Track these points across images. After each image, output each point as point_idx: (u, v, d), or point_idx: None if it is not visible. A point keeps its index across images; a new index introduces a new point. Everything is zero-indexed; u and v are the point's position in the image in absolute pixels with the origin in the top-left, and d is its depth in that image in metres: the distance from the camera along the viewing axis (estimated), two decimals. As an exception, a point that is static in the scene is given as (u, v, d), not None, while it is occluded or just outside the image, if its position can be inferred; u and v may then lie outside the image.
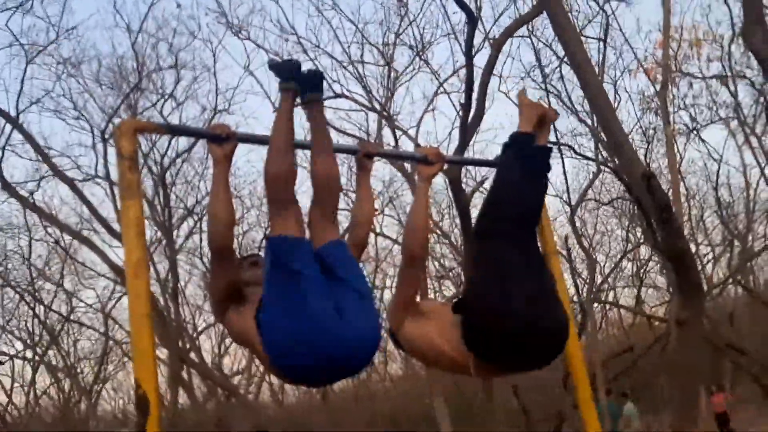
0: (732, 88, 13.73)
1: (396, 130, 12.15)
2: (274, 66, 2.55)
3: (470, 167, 12.87)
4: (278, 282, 2.24)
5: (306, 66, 2.62)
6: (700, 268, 11.79)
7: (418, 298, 2.77)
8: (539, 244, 2.84)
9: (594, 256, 15.49)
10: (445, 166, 3.19)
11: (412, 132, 12.29)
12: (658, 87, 12.90)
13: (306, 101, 2.52)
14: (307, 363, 2.22)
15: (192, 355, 12.31)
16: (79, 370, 17.23)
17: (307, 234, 2.44)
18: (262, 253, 2.58)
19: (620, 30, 13.38)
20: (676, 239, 3.80)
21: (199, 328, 16.12)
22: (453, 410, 13.85)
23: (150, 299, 2.30)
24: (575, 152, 12.50)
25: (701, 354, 4.35)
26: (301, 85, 2.49)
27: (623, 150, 4.07)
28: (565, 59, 12.24)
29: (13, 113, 9.53)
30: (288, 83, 2.48)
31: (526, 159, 2.72)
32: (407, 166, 12.19)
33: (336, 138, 12.15)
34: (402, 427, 22.81)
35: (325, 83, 2.69)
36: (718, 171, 16.47)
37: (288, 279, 2.23)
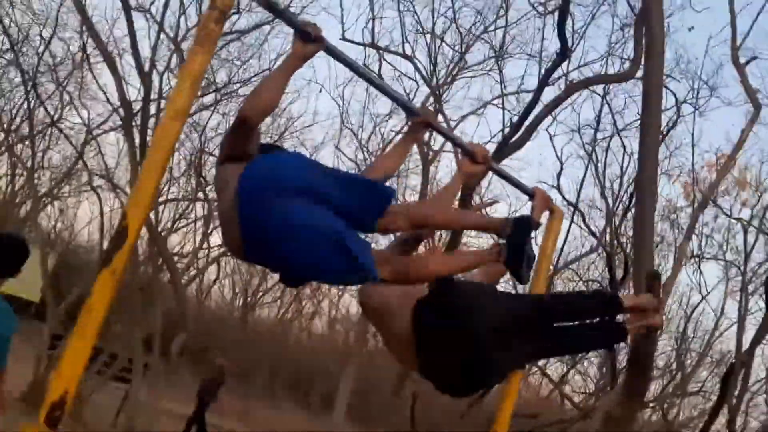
0: (750, 239, 13.87)
1: (438, 114, 12.10)
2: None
3: (483, 183, 12.83)
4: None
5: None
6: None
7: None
8: None
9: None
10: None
11: (451, 124, 12.24)
12: (688, 203, 12.99)
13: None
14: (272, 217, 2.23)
15: (151, 217, 12.27)
16: (37, 177, 17.03)
17: None
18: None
19: (691, 133, 13.32)
20: (649, 342, 3.83)
21: (168, 197, 16.03)
22: (359, 391, 14.01)
23: (173, 149, 2.28)
24: (584, 222, 12.54)
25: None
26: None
27: (645, 242, 4.07)
28: (620, 134, 12.29)
29: None
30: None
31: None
32: (430, 152, 12.18)
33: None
34: (304, 381, 22.97)
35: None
36: (696, 305, 16.68)
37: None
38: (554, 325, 2.57)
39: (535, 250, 3.22)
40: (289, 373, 22.84)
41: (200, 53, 2.24)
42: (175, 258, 16.34)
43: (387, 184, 2.57)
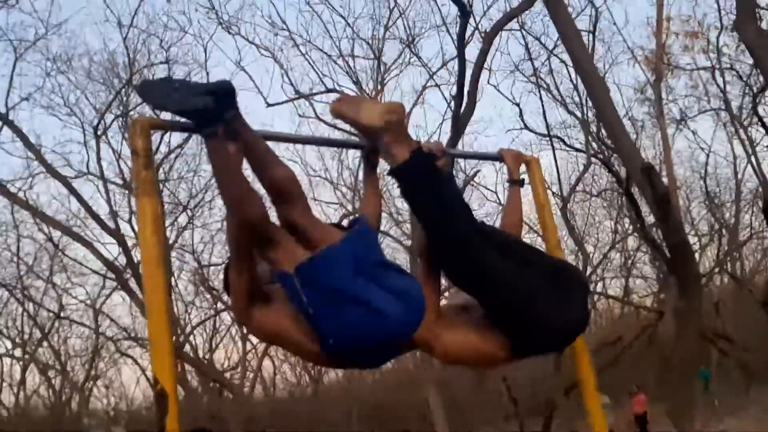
0: (720, 80, 13.88)
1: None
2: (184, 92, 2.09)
3: (460, 160, 12.91)
4: (320, 301, 2.20)
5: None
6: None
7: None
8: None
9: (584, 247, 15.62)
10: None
11: (403, 125, 12.29)
12: (647, 79, 13.03)
13: (228, 121, 2.16)
14: (365, 344, 2.23)
15: (186, 349, 12.30)
16: (69, 368, 17.14)
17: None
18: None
19: (613, 22, 13.41)
20: (675, 231, 3.85)
21: (192, 324, 16.08)
22: (443, 402, 13.94)
23: (167, 295, 2.32)
24: (565, 144, 12.58)
25: (697, 343, 4.43)
26: (217, 111, 2.11)
27: (621, 142, 4.12)
28: (554, 52, 12.36)
29: (2, 110, 9.45)
30: (209, 129, 2.13)
31: (437, 177, 2.46)
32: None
33: (328, 133, 12.24)
34: (391, 419, 22.91)
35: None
36: (706, 161, 16.65)
37: (326, 295, 2.20)
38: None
39: (531, 203, 3.26)
40: (381, 415, 22.77)
41: (147, 200, 2.28)
42: (229, 373, 16.37)
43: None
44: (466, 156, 3.15)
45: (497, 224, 2.99)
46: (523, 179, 3.15)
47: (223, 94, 2.12)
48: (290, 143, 2.73)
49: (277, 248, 2.23)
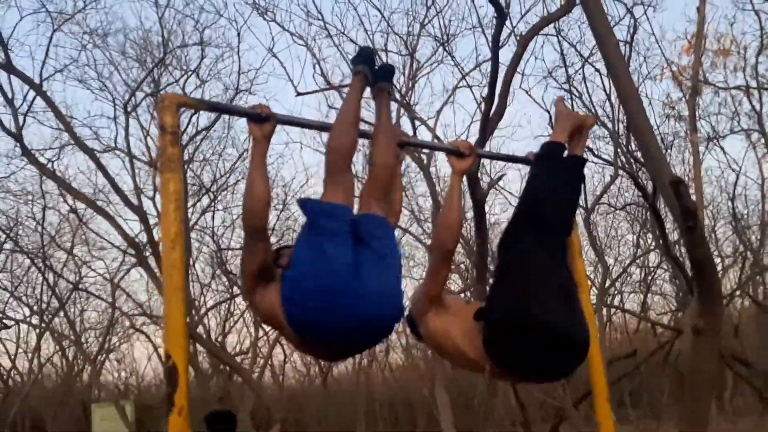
0: (755, 99, 13.65)
1: (414, 120, 12.14)
2: (357, 55, 2.73)
3: (486, 162, 12.83)
4: (307, 239, 2.31)
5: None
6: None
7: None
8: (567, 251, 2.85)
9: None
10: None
11: (430, 123, 12.28)
12: (682, 94, 12.84)
13: (376, 90, 2.68)
14: (321, 320, 2.24)
15: (199, 330, 12.40)
16: (84, 340, 17.35)
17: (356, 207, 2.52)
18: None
19: (651, 33, 13.23)
20: (700, 247, 3.78)
21: (207, 306, 16.20)
22: (452, 401, 13.92)
23: (184, 272, 2.33)
24: (594, 154, 12.44)
25: (715, 363, 4.35)
26: (374, 73, 2.66)
27: (651, 154, 4.05)
28: (589, 60, 12.23)
29: (36, 80, 9.57)
30: (360, 66, 2.65)
31: (558, 168, 2.73)
32: (423, 157, 12.20)
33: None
34: (400, 416, 22.92)
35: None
36: (735, 182, 16.39)
37: (317, 236, 2.29)
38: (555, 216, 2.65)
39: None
40: (389, 411, 22.76)
41: (171, 177, 2.31)
42: (241, 356, 16.47)
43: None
44: (495, 157, 3.15)
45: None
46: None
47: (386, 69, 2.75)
48: (317, 130, 2.77)
49: (331, 183, 2.43)
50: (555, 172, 2.72)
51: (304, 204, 2.40)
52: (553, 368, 2.55)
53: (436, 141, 11.24)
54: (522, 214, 2.66)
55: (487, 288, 2.80)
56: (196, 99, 2.54)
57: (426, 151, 10.63)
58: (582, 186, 2.87)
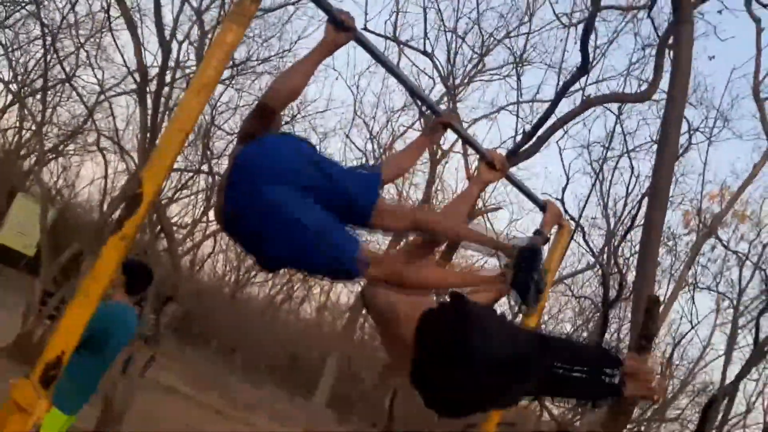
0: (745, 273, 13.89)
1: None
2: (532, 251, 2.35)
3: (488, 189, 12.85)
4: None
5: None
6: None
7: None
8: None
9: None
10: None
11: (464, 126, 12.24)
12: (686, 230, 13.00)
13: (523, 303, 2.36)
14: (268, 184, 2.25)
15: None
16: (45, 131, 16.97)
17: None
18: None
19: (704, 164, 13.26)
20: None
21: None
22: (341, 378, 14.05)
23: (194, 122, 2.27)
24: (584, 239, 12.52)
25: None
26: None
27: (647, 267, 4.07)
28: (630, 154, 12.26)
29: None
30: (514, 266, 2.31)
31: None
32: (440, 150, 12.16)
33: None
34: (287, 364, 22.99)
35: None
36: (685, 333, 16.73)
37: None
38: (553, 367, 2.51)
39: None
40: (274, 354, 22.88)
41: (234, 28, 2.24)
42: (174, 228, 16.35)
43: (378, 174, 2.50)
44: (515, 184, 3.10)
45: None
46: (548, 237, 3.11)
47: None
48: (386, 71, 2.68)
49: None
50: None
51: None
52: (453, 402, 2.56)
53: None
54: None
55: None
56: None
57: (445, 146, 10.60)
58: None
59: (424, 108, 10.14)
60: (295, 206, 2.21)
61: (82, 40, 13.74)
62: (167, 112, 10.38)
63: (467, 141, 3.17)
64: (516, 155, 8.51)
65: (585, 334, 17.55)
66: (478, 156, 2.96)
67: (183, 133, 2.14)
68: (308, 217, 2.20)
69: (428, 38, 12.36)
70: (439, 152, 12.53)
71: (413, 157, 2.89)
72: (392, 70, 2.67)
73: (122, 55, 12.41)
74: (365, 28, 9.90)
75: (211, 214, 17.23)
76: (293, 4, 12.43)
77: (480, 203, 12.51)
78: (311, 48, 2.46)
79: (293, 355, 22.78)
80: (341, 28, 2.41)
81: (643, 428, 16.53)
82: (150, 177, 2.08)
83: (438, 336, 2.39)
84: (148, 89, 10.01)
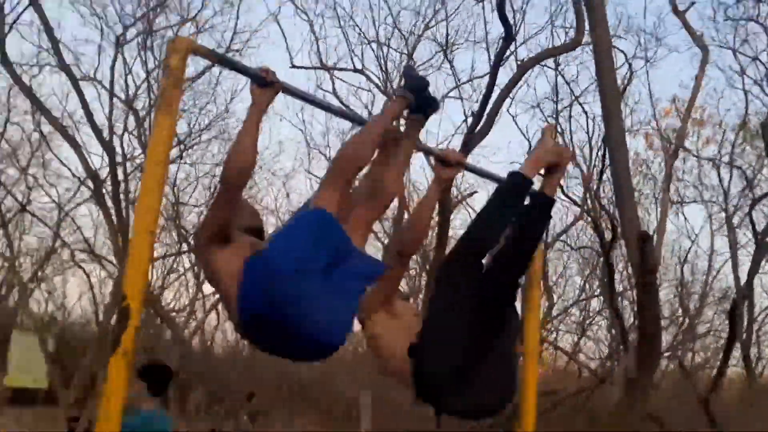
0: (723, 174, 14.12)
1: (400, 119, 12.17)
2: (411, 75, 2.75)
3: (458, 177, 12.95)
4: (301, 234, 2.28)
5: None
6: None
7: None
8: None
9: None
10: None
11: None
12: (653, 154, 13.18)
13: (416, 119, 2.66)
14: (271, 321, 2.23)
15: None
16: (17, 264, 16.84)
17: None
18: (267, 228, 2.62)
19: (648, 90, 13.45)
20: (651, 303, 3.89)
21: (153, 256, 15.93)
22: (374, 401, 13.93)
23: (158, 218, 2.30)
24: (564, 193, 12.65)
25: (641, 415, 4.49)
26: (419, 102, 2.61)
27: (626, 206, 4.15)
28: (580, 100, 12.44)
29: (30, -6, 9.26)
30: (409, 94, 2.61)
31: (518, 205, 2.60)
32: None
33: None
34: (322, 404, 22.80)
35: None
36: (688, 250, 16.89)
37: (313, 239, 2.26)
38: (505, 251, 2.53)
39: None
40: (307, 393, 22.69)
41: (166, 119, 2.28)
42: (174, 313, 16.26)
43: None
44: (478, 172, 3.14)
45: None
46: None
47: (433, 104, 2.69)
48: (317, 108, 2.73)
49: (333, 191, 2.36)
50: (513, 207, 2.59)
51: (321, 215, 2.34)
52: (473, 415, 2.59)
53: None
54: (466, 244, 2.58)
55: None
56: (208, 49, 2.50)
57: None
58: (545, 228, 2.82)
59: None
60: (305, 328, 2.23)
61: (24, 165, 13.65)
62: (130, 206, 10.37)
63: (417, 148, 3.22)
64: (472, 137, 8.60)
65: (597, 283, 17.69)
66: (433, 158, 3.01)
67: (149, 234, 2.17)
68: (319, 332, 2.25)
69: (355, 55, 12.49)
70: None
71: (401, 164, 2.86)
72: (325, 107, 2.72)
73: (69, 168, 12.38)
74: (293, 66, 10.00)
75: (206, 288, 17.17)
76: (209, 69, 12.46)
77: (455, 191, 12.59)
78: (247, 111, 2.49)
79: (327, 389, 22.61)
80: (265, 85, 2.45)
81: (679, 352, 16.63)
82: (131, 286, 2.11)
83: (429, 367, 2.42)
84: (104, 191, 10.01)
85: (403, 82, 2.69)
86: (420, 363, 2.43)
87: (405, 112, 2.64)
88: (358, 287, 2.35)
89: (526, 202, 2.66)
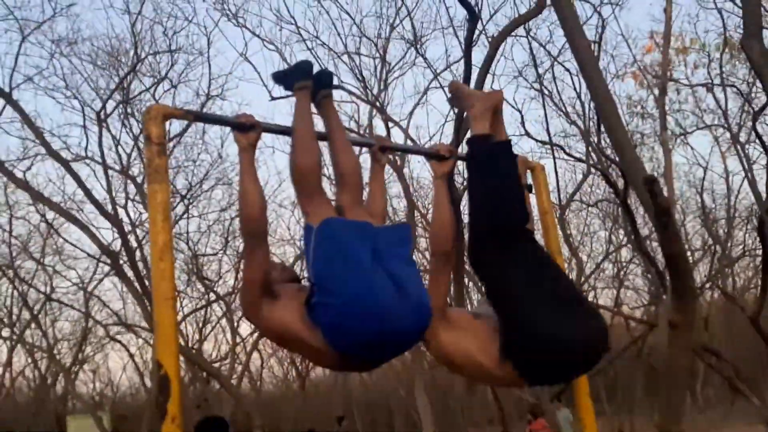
0: (718, 95, 13.98)
1: (388, 122, 12.21)
2: (281, 77, 2.75)
3: (460, 163, 12.94)
4: (337, 262, 2.29)
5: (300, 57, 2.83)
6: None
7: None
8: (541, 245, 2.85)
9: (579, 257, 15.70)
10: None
11: (403, 124, 12.38)
12: (645, 92, 13.10)
13: (320, 98, 2.68)
14: (374, 341, 2.27)
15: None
16: (56, 351, 17.09)
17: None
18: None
19: (620, 33, 13.39)
20: (673, 243, 3.88)
21: (184, 312, 16.06)
22: (430, 402, 13.97)
23: (174, 283, 2.34)
24: (566, 153, 12.62)
25: (690, 356, 4.47)
26: (315, 84, 2.65)
27: (625, 152, 4.14)
28: (558, 60, 12.41)
29: (6, 89, 9.41)
30: (304, 82, 2.64)
31: (492, 165, 2.64)
32: (397, 158, 12.26)
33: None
34: (377, 418, 22.94)
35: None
36: (703, 177, 16.75)
37: (346, 258, 2.29)
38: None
39: (535, 211, 3.27)
40: (367, 413, 22.77)
41: (158, 187, 2.31)
42: (216, 364, 16.36)
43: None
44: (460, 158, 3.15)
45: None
46: (530, 185, 3.16)
47: (324, 76, 2.72)
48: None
49: (315, 201, 2.44)
50: (491, 169, 2.63)
51: (329, 224, 2.37)
52: (584, 366, 2.56)
53: (410, 143, 11.31)
54: (477, 225, 2.62)
55: (468, 291, 2.76)
56: (183, 110, 2.54)
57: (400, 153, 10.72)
58: (515, 167, 2.73)
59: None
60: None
61: (38, 256, 13.83)
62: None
63: (406, 151, 3.26)
64: (461, 123, 8.60)
65: (622, 233, 17.58)
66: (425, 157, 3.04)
67: (169, 301, 2.21)
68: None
69: (334, 73, 12.54)
70: (398, 160, 12.63)
71: (381, 196, 2.93)
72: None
73: (82, 250, 12.54)
74: (272, 98, 10.05)
75: (242, 330, 17.21)
76: (184, 132, 12.57)
77: (459, 179, 12.57)
78: (238, 157, 2.52)
79: (384, 404, 22.67)
80: (246, 129, 2.49)
81: (719, 279, 16.50)
82: (164, 354, 2.15)
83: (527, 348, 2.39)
84: (121, 261, 10.12)
85: (291, 78, 2.70)
86: (523, 354, 2.40)
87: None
88: (404, 253, 2.41)
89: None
